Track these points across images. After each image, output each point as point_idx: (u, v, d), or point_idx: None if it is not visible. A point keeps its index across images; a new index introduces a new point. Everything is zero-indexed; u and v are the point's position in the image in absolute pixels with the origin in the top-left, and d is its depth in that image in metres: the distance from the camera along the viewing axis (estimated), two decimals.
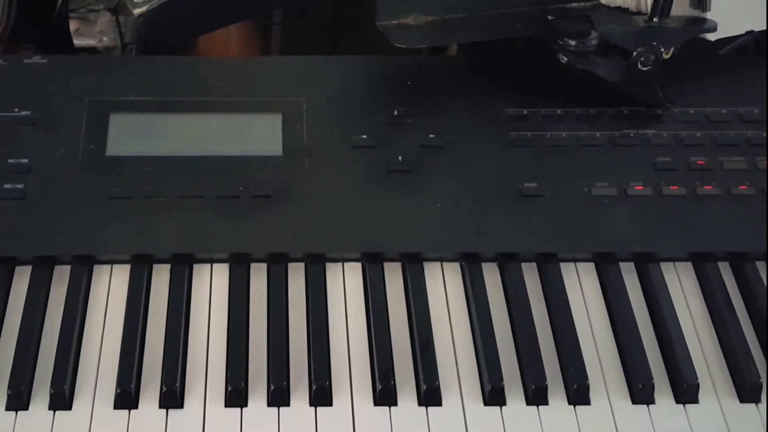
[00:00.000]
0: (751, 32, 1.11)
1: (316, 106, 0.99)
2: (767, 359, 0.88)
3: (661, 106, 1.00)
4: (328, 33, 1.30)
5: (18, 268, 0.90)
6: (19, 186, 0.92)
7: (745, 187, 0.96)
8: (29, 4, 1.13)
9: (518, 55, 1.09)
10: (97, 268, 0.91)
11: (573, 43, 0.97)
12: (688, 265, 0.94)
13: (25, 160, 0.94)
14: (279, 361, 0.84)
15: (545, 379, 0.84)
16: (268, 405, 0.83)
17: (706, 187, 0.95)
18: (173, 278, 0.90)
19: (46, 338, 0.86)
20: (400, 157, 0.96)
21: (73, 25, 1.18)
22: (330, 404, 0.83)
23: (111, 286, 0.90)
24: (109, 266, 0.91)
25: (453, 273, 0.92)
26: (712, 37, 1.06)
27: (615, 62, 0.97)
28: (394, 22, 0.97)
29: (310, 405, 0.83)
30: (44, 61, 1.02)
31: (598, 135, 0.99)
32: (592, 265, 0.93)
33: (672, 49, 0.96)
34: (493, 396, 0.84)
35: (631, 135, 0.99)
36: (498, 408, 0.84)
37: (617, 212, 0.94)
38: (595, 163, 0.97)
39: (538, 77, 1.02)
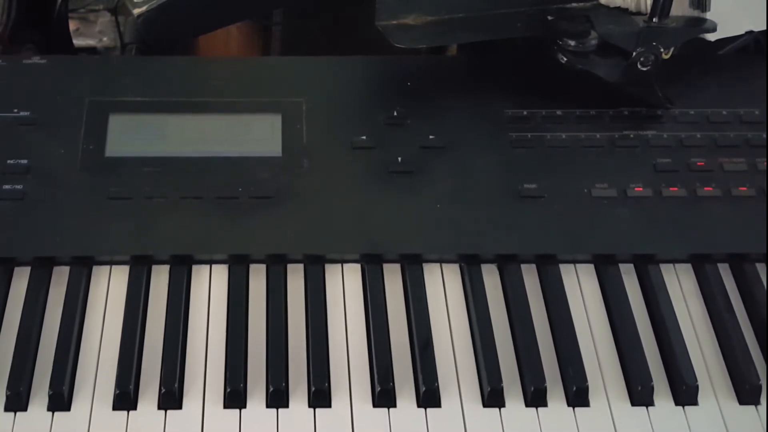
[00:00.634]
0: (751, 32, 1.10)
1: (315, 107, 0.99)
2: (767, 361, 0.88)
3: (661, 106, 1.00)
4: (328, 33, 1.30)
5: (17, 269, 0.90)
6: (19, 187, 0.92)
7: (745, 188, 0.95)
8: (29, 4, 1.13)
9: (518, 55, 1.09)
10: (96, 269, 0.91)
11: (573, 43, 0.97)
12: (688, 266, 0.94)
13: (25, 161, 0.94)
14: (278, 363, 0.84)
15: (544, 381, 0.84)
16: (267, 406, 0.83)
17: (706, 189, 0.95)
18: (172, 279, 0.90)
19: (45, 339, 0.86)
20: (399, 158, 0.96)
21: (72, 25, 1.18)
22: (329, 406, 0.83)
23: (110, 287, 0.90)
24: (108, 267, 0.91)
25: (452, 274, 0.92)
26: (711, 37, 1.06)
27: (615, 62, 0.97)
28: (394, 22, 0.97)
29: (309, 406, 0.83)
30: (44, 61, 1.02)
31: (598, 136, 0.99)
32: (591, 266, 0.93)
33: (672, 49, 0.96)
34: (492, 397, 0.84)
35: (631, 136, 0.99)
36: (497, 410, 0.83)
37: (617, 213, 0.94)
38: (595, 164, 0.97)
39: (538, 77, 1.02)
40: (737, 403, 0.85)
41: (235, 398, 0.83)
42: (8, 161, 0.94)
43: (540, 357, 0.86)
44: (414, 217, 0.93)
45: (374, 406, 0.83)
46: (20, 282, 0.89)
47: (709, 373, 0.87)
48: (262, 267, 0.91)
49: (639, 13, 0.98)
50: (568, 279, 0.92)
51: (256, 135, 0.97)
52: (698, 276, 0.93)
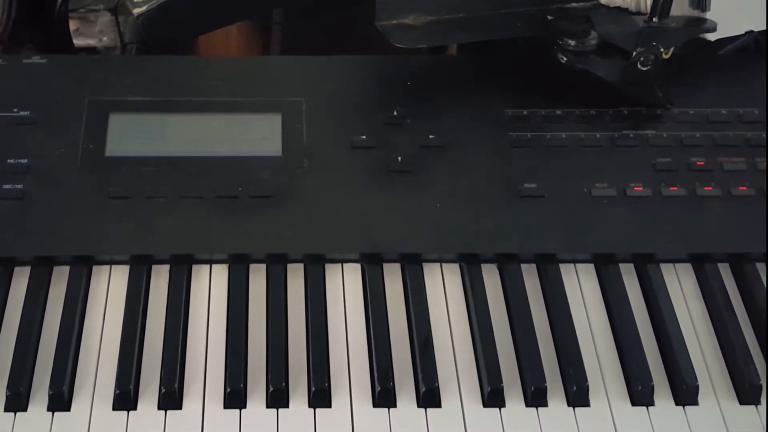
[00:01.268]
0: (751, 32, 1.10)
1: (315, 106, 0.99)
2: (767, 361, 0.88)
3: (660, 106, 1.00)
4: (328, 33, 1.30)
5: (17, 269, 0.90)
6: (19, 186, 0.92)
7: (744, 188, 0.95)
8: (29, 4, 1.13)
9: (518, 55, 1.08)
10: (96, 269, 0.91)
11: (573, 43, 0.97)
12: (688, 266, 0.94)
13: (25, 161, 0.94)
14: (278, 362, 0.84)
15: (544, 381, 0.84)
16: (267, 406, 0.83)
17: (705, 188, 0.95)
18: (172, 279, 0.90)
19: (45, 339, 0.86)
20: (399, 158, 0.96)
21: (72, 25, 1.18)
22: (329, 405, 0.83)
23: (110, 287, 0.90)
24: (108, 267, 0.91)
25: (452, 274, 0.92)
26: (711, 37, 1.06)
27: (615, 62, 0.97)
28: (394, 22, 0.97)
29: (309, 406, 0.83)
30: (44, 61, 1.02)
31: (597, 135, 0.99)
32: (591, 266, 0.93)
33: (672, 49, 0.96)
34: (493, 397, 0.84)
35: (631, 136, 0.99)
36: (497, 409, 0.83)
37: (617, 213, 0.93)
38: (595, 163, 0.97)
39: (538, 77, 1.02)
40: (737, 403, 0.85)
41: (235, 398, 0.83)
42: (8, 161, 0.94)
43: (540, 357, 0.86)
44: (414, 217, 0.93)
45: (374, 405, 0.83)
46: (20, 282, 0.89)
47: (709, 373, 0.87)
48: (262, 267, 0.91)
49: (639, 13, 0.98)
50: (568, 279, 0.92)
51: (256, 135, 0.97)
52: (698, 276, 0.93)
